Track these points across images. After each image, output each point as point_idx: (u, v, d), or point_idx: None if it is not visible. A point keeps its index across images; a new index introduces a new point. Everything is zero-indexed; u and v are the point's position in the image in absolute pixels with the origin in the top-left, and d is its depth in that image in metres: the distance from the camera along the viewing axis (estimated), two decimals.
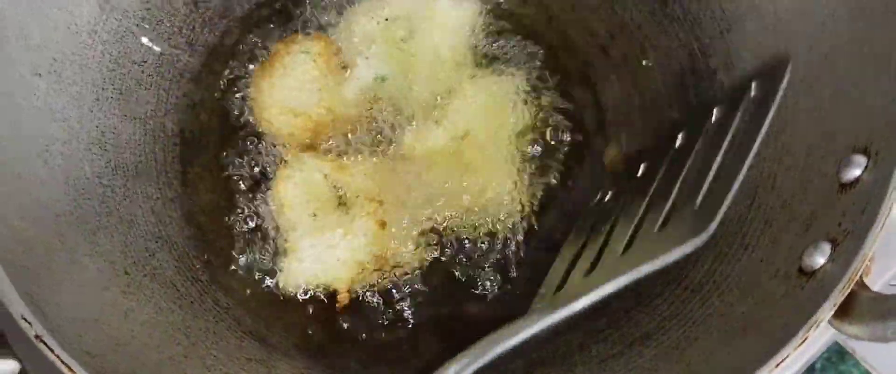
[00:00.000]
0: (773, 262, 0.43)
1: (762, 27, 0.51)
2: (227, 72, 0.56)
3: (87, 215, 0.46)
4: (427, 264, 0.52)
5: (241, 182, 0.53)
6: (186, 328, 0.45)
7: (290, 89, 0.55)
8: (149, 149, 0.52)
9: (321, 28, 0.57)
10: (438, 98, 0.55)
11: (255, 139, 0.54)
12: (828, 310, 0.37)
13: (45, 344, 0.37)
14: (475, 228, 0.52)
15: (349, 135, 0.54)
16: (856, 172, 0.42)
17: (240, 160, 0.53)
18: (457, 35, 0.57)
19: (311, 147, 0.54)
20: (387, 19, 0.57)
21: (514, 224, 0.53)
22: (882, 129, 0.41)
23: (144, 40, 0.53)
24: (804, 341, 0.36)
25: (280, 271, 0.51)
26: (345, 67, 0.56)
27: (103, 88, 0.51)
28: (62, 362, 0.36)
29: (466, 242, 0.52)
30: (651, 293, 0.48)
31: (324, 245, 0.51)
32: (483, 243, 0.52)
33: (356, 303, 0.51)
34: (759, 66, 0.50)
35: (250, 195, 0.53)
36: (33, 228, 0.42)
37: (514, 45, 0.57)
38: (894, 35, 0.41)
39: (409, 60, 0.56)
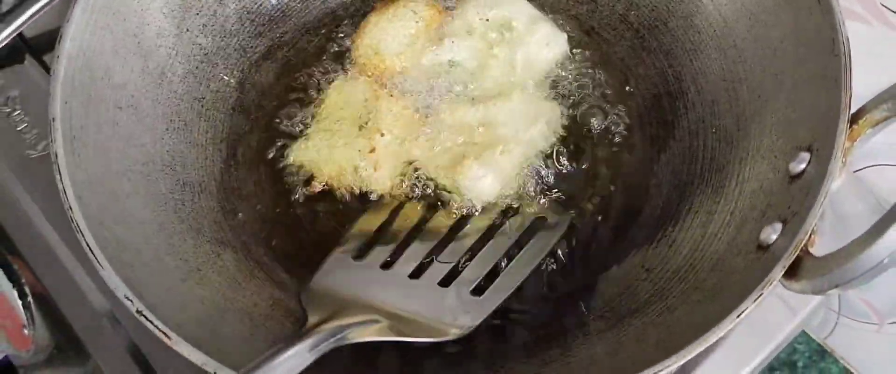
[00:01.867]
0: (737, 243, 0.51)
1: (723, 54, 0.60)
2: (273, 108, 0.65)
3: (164, 223, 0.55)
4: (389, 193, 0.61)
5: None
6: (250, 313, 0.54)
7: (384, 32, 0.65)
8: (209, 170, 0.61)
9: None
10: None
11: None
12: (779, 272, 0.45)
13: (145, 317, 0.45)
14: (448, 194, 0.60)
15: (403, 86, 0.64)
16: (802, 165, 0.50)
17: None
18: (537, 59, 0.65)
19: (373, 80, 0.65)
20: (488, 20, 0.66)
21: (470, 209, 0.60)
22: (821, 131, 0.49)
23: (204, 80, 0.63)
24: (760, 296, 0.45)
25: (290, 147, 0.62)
26: (440, 39, 0.65)
27: (171, 120, 0.60)
28: (159, 330, 0.45)
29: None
30: (638, 278, 0.56)
31: (327, 143, 0.61)
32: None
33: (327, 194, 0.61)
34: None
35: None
36: (125, 232, 0.51)
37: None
38: (828, 58, 0.51)
39: (486, 59, 0.65)
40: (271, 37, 0.68)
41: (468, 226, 0.58)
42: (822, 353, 0.92)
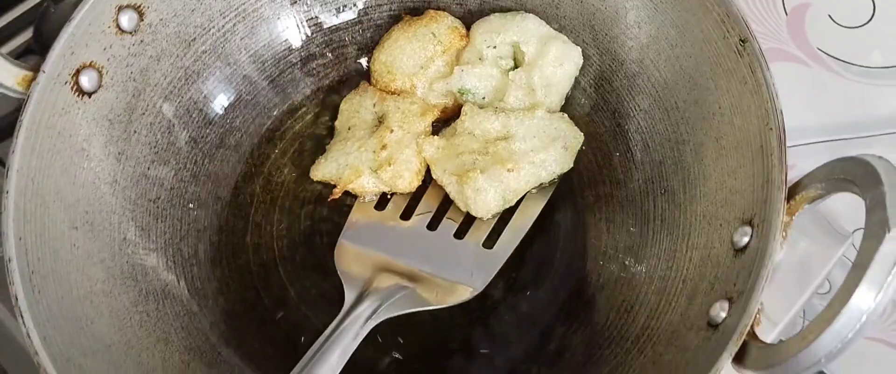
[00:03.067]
0: (689, 316, 0.53)
1: (667, 114, 0.61)
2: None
3: (131, 341, 0.56)
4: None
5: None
6: None
7: (401, 50, 0.67)
8: (171, 273, 0.62)
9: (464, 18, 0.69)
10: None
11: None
12: (726, 359, 0.47)
13: None
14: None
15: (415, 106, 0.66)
16: (745, 239, 0.51)
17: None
18: (555, 79, 0.65)
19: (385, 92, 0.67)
20: (495, 47, 0.66)
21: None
22: (760, 204, 0.51)
23: (156, 180, 0.64)
24: None
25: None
26: (457, 62, 0.66)
27: (127, 229, 0.61)
28: None
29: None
30: (601, 346, 0.58)
31: (342, 152, 0.64)
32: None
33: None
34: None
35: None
36: (93, 363, 0.52)
37: None
38: (764, 130, 0.52)
39: (501, 85, 0.66)
40: (222, 125, 0.68)
41: None
42: None
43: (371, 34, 0.71)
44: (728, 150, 0.55)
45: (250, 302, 0.62)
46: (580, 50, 0.66)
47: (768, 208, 0.50)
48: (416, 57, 0.66)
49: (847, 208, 0.75)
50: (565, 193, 0.65)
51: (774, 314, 0.56)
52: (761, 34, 0.53)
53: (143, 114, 0.63)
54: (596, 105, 0.66)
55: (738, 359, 0.47)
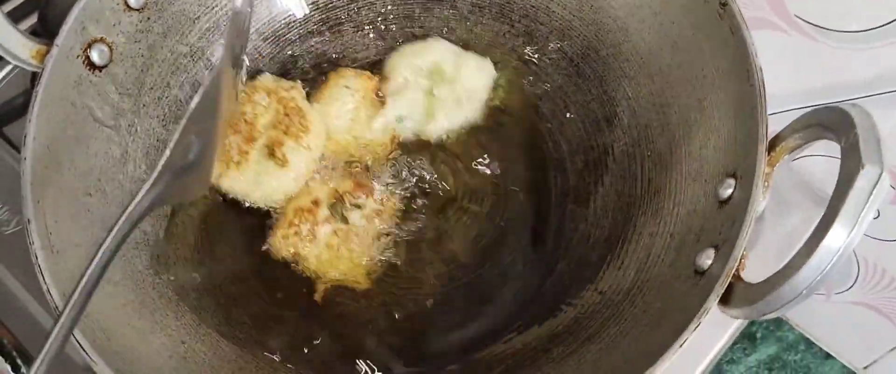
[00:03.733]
0: (677, 267, 0.56)
1: (652, 80, 0.64)
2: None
3: (145, 300, 0.58)
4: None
5: None
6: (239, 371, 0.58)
7: (327, 116, 0.69)
8: (181, 239, 0.64)
9: (371, 66, 0.72)
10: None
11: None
12: (713, 301, 0.49)
13: None
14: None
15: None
16: (729, 191, 0.54)
17: None
18: (475, 88, 0.70)
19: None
20: (421, 68, 0.70)
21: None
22: (743, 157, 0.54)
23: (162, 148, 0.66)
24: (698, 326, 0.49)
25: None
26: (381, 103, 0.69)
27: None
28: None
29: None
30: (593, 301, 0.61)
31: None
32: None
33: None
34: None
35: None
36: (109, 319, 0.54)
37: None
38: (744, 88, 0.55)
39: (431, 104, 0.69)
40: None
41: None
42: (778, 323, 0.98)
43: (367, 11, 0.74)
44: (711, 110, 0.58)
45: (257, 265, 0.65)
46: (491, 62, 0.71)
47: (750, 160, 0.52)
48: (342, 115, 0.69)
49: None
50: (556, 160, 0.68)
51: None
52: (740, 3, 0.56)
53: (152, 88, 0.66)
54: (583, 74, 0.69)
55: (724, 301, 0.50)
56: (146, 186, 0.49)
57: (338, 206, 0.65)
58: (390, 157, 0.68)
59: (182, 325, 0.59)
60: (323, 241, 0.64)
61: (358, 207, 0.65)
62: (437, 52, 0.71)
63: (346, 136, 0.68)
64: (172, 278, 0.61)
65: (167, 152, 0.49)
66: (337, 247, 0.64)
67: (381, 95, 0.69)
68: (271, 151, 0.64)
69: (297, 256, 0.64)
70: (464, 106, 0.70)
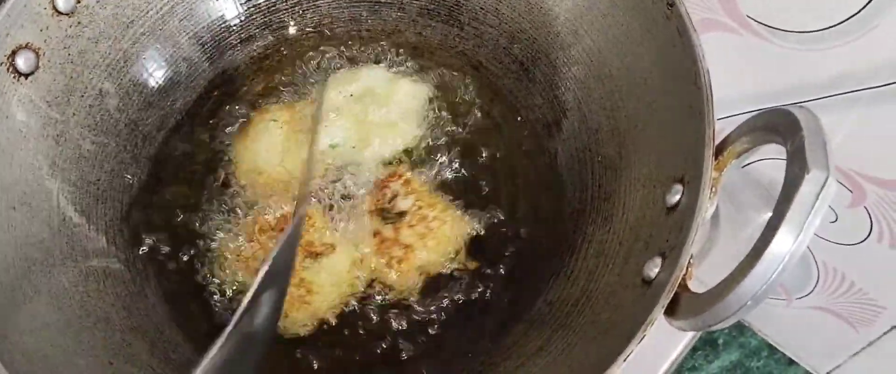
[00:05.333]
0: (626, 275, 0.54)
1: (601, 83, 0.62)
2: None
3: (71, 320, 0.55)
4: None
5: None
6: None
7: (255, 153, 0.66)
8: (111, 254, 0.62)
9: (298, 96, 0.69)
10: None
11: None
12: (659, 311, 0.47)
13: None
14: None
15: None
16: (676, 197, 0.52)
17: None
18: (410, 110, 0.68)
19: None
20: (352, 95, 0.67)
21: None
22: (690, 162, 0.52)
23: (96, 162, 0.63)
24: (643, 337, 0.47)
25: None
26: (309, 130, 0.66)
27: (67, 210, 0.60)
28: None
29: None
30: (542, 312, 0.59)
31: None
32: None
33: None
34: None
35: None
36: (32, 340, 0.52)
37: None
38: (691, 90, 0.53)
39: (363, 132, 0.66)
40: (162, 107, 0.68)
41: None
42: (740, 328, 0.97)
43: (311, 14, 0.72)
44: (659, 113, 0.57)
45: (193, 283, 0.62)
46: (426, 86, 0.69)
47: (698, 165, 0.51)
48: (271, 149, 0.66)
49: None
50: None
51: None
52: (691, 4, 0.54)
53: (82, 96, 0.63)
54: (533, 78, 0.67)
55: (670, 311, 0.48)
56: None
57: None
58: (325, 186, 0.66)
59: (111, 345, 0.56)
60: None
61: None
62: (372, 75, 0.69)
63: (279, 169, 0.65)
64: (101, 294, 0.59)
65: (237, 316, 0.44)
66: None
67: (306, 127, 0.67)
68: None
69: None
70: (399, 128, 0.67)
